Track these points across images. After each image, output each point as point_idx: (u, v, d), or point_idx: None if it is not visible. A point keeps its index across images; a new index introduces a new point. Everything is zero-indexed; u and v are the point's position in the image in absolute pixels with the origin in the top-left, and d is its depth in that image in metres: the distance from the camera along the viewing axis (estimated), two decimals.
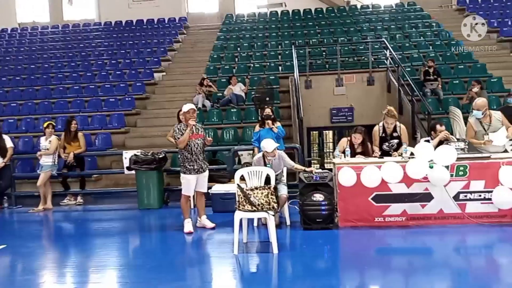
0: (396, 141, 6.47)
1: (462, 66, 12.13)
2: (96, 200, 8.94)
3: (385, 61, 11.74)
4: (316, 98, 11.07)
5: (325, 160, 15.93)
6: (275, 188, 5.15)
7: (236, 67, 13.60)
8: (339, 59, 11.66)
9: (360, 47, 13.65)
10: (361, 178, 5.68)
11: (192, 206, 7.04)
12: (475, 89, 9.50)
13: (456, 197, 5.71)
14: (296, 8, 18.28)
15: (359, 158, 6.08)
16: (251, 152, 7.95)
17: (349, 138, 6.40)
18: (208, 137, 6.23)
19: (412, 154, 5.84)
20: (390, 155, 6.28)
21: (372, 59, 11.71)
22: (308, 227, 5.76)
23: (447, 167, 5.58)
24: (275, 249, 4.92)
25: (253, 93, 11.17)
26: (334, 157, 6.45)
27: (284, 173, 6.16)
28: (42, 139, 8.32)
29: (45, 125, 8.38)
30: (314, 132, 15.17)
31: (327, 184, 5.82)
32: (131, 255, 5.55)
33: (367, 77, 11.11)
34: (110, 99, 12.36)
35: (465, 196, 5.72)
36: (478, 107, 6.18)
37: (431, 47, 13.64)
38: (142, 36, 17.41)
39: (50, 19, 20.76)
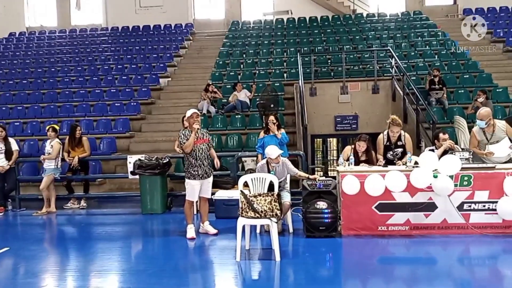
0: (400, 150, 6.46)
1: (467, 76, 12.12)
2: (100, 204, 8.96)
3: (390, 69, 11.74)
4: (320, 106, 11.08)
5: (329, 168, 15.90)
6: (278, 195, 5.15)
7: (241, 74, 13.64)
8: (344, 67, 11.68)
9: (366, 55, 13.67)
10: (365, 187, 5.67)
11: (195, 212, 7.04)
12: (481, 99, 9.48)
13: (460, 207, 5.68)
14: (302, 16, 18.34)
15: (363, 167, 6.07)
16: (255, 158, 7.95)
17: (353, 146, 6.40)
18: (213, 145, 6.22)
19: (416, 163, 5.82)
20: (394, 164, 6.28)
21: (377, 67, 11.71)
22: (311, 235, 5.74)
23: (451, 176, 5.56)
24: (277, 257, 4.91)
25: (258, 99, 11.20)
26: (338, 165, 6.44)
27: (288, 180, 6.16)
28: (47, 142, 8.37)
29: (47, 128, 8.43)
30: (318, 139, 15.16)
31: (330, 192, 5.81)
32: (133, 259, 5.55)
33: (372, 85, 11.11)
34: (116, 104, 12.42)
35: (469, 206, 5.69)
36: (482, 117, 6.18)
37: (436, 56, 13.64)
38: (148, 42, 17.52)
39: (57, 23, 20.93)
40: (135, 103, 12.40)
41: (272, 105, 10.56)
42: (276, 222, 5.06)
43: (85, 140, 8.57)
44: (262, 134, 7.56)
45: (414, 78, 11.37)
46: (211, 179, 6.18)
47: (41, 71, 15.32)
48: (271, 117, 7.50)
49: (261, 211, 4.94)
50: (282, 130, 7.47)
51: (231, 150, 9.84)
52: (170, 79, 14.62)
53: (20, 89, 13.97)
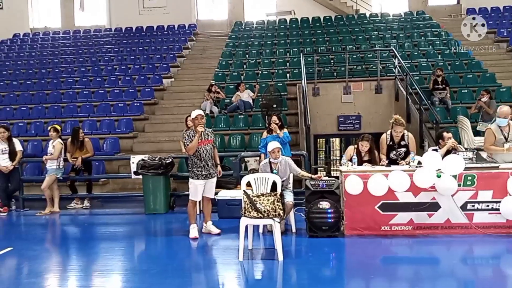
0: (403, 149, 6.45)
1: (471, 76, 12.07)
2: (103, 204, 8.99)
3: (394, 69, 11.72)
4: (323, 106, 11.06)
5: (332, 168, 15.89)
6: (281, 195, 5.14)
7: (244, 74, 13.65)
8: (347, 67, 11.65)
9: (369, 55, 13.64)
10: (368, 187, 5.66)
11: (198, 212, 7.05)
12: (484, 99, 9.44)
13: (463, 207, 5.67)
14: (305, 16, 18.33)
15: (366, 166, 6.05)
16: (257, 158, 7.96)
17: (356, 146, 6.39)
18: (215, 143, 6.23)
19: (419, 163, 5.81)
20: (398, 164, 6.27)
21: (381, 67, 11.69)
22: (314, 235, 5.73)
23: (454, 176, 5.54)
24: (280, 256, 4.91)
25: (260, 99, 11.20)
26: (341, 165, 6.43)
27: (291, 180, 6.16)
28: (50, 143, 8.40)
29: (48, 128, 8.47)
30: (321, 139, 15.14)
31: (333, 192, 5.79)
32: (136, 259, 5.56)
33: (375, 85, 11.09)
34: (119, 104, 12.45)
35: (473, 206, 5.67)
36: (506, 114, 6.12)
37: (439, 56, 13.60)
38: (152, 42, 17.55)
39: (61, 24, 21.00)
40: (138, 104, 12.43)
41: (274, 105, 10.56)
42: (279, 222, 5.05)
43: (87, 141, 8.59)
44: (265, 134, 7.58)
45: (417, 78, 11.33)
46: (214, 179, 6.19)
47: (45, 71, 15.37)
48: (274, 118, 7.51)
49: (264, 211, 4.94)
50: (285, 130, 7.49)
51: (234, 150, 9.84)
52: (173, 79, 14.64)
53: (24, 90, 14.03)
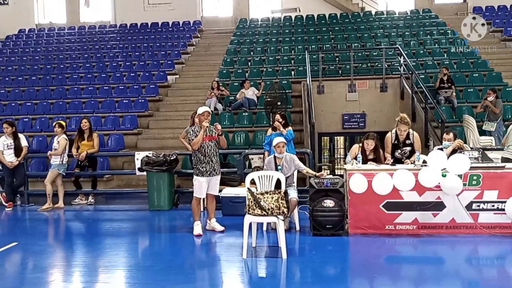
0: (408, 148, 6.42)
1: (477, 74, 12.01)
2: (107, 200, 9.00)
3: (399, 67, 11.65)
4: (328, 104, 11.03)
5: (336, 166, 15.85)
6: (286, 193, 5.14)
7: (248, 71, 13.63)
8: (352, 65, 11.61)
9: (374, 53, 13.59)
10: (373, 185, 5.63)
11: (202, 209, 7.05)
12: (491, 98, 9.38)
13: (468, 207, 5.64)
14: (310, 14, 18.27)
15: (371, 165, 6.03)
16: (261, 156, 7.95)
17: (361, 144, 6.37)
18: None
19: (424, 162, 5.78)
20: (402, 163, 6.24)
21: (386, 65, 11.64)
22: (317, 233, 5.73)
23: (460, 176, 5.51)
24: (284, 254, 4.91)
25: (265, 97, 11.18)
26: (345, 163, 6.41)
27: (295, 178, 6.14)
28: (55, 138, 8.43)
29: (53, 124, 8.49)
30: (326, 137, 15.11)
31: (338, 190, 5.78)
32: (140, 256, 5.57)
33: (380, 84, 11.04)
34: (124, 101, 12.48)
35: (478, 206, 5.64)
36: None
37: (445, 55, 13.54)
38: (156, 39, 17.55)
39: (66, 20, 21.05)
40: (143, 100, 12.45)
41: (279, 103, 10.53)
42: (283, 220, 5.05)
43: (95, 136, 8.58)
44: (269, 132, 7.58)
45: (423, 76, 11.28)
46: (219, 176, 6.19)
47: (50, 67, 15.43)
48: (277, 116, 7.50)
49: (268, 209, 4.94)
50: (289, 128, 7.48)
51: (238, 148, 9.83)
52: (178, 76, 14.65)
53: (29, 85, 14.09)
